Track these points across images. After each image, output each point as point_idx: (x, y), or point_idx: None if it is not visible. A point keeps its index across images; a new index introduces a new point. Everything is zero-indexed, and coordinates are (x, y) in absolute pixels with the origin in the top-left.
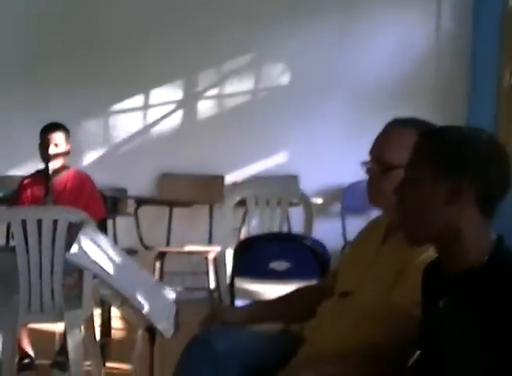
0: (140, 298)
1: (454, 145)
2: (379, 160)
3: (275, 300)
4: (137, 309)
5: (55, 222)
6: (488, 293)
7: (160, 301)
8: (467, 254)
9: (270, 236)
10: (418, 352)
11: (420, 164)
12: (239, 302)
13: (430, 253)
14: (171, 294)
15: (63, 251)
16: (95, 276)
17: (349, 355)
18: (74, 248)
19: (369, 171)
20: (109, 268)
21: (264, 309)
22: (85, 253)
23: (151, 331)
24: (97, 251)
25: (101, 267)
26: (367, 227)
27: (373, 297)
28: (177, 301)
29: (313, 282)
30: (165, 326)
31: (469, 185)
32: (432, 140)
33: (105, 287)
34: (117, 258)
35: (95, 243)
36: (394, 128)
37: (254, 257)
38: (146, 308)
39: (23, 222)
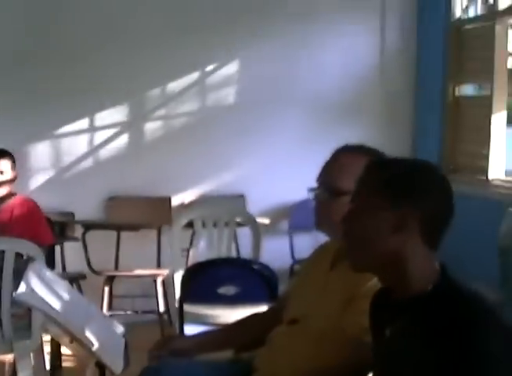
0: (89, 335)
1: (400, 176)
2: (327, 186)
3: (224, 329)
4: (86, 346)
5: (2, 252)
6: (432, 320)
7: (109, 336)
8: (412, 283)
9: (218, 262)
10: None
11: (365, 194)
12: (188, 327)
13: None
14: (119, 329)
15: (10, 281)
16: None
17: None
18: (22, 287)
19: (316, 196)
20: (58, 305)
21: (214, 337)
22: (33, 291)
23: (101, 366)
24: (45, 288)
25: (49, 306)
26: (315, 252)
27: (323, 324)
28: (125, 336)
29: (262, 306)
30: (115, 361)
31: (413, 215)
32: (378, 172)
33: (53, 325)
34: (65, 295)
35: (43, 280)
36: (343, 154)
37: (202, 282)
38: (96, 345)
39: None
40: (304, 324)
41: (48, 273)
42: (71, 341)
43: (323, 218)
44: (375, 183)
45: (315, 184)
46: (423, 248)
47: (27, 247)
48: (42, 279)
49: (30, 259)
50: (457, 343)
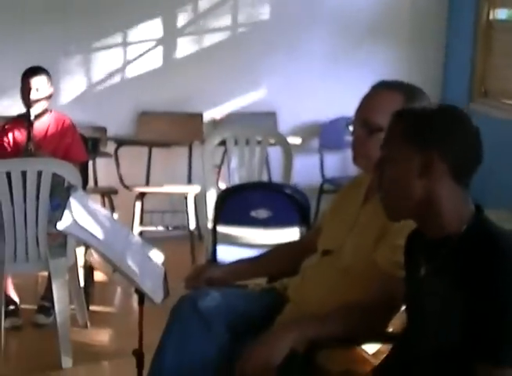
0: (130, 264)
1: (422, 122)
2: (364, 122)
3: (258, 257)
4: (128, 276)
5: (39, 172)
6: (466, 260)
7: (149, 265)
8: (446, 224)
9: (251, 185)
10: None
11: (392, 142)
12: (221, 247)
13: None
14: (159, 257)
15: (47, 201)
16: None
17: (330, 314)
18: (66, 217)
19: (353, 131)
20: (100, 235)
21: (247, 265)
22: (76, 222)
23: (141, 294)
24: (87, 218)
25: (91, 235)
26: (348, 185)
27: (355, 256)
28: (164, 264)
29: (293, 229)
30: (155, 291)
31: (440, 157)
32: (402, 119)
33: (95, 253)
34: (106, 224)
35: (85, 209)
36: (380, 91)
37: (235, 205)
38: (137, 275)
39: (8, 174)
40: (336, 256)
41: (90, 202)
42: (114, 271)
43: (360, 153)
44: (399, 130)
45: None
46: (454, 189)
47: (66, 170)
48: (84, 208)
49: (71, 187)
50: (486, 283)
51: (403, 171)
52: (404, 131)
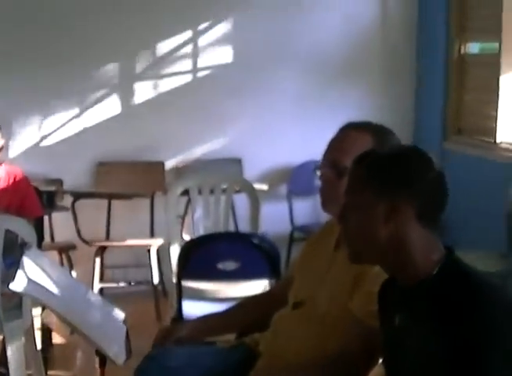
0: (90, 325)
1: (385, 167)
2: (333, 164)
3: (226, 311)
4: (88, 337)
5: None
6: (440, 305)
7: (109, 325)
8: (416, 269)
9: (217, 236)
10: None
11: (356, 189)
12: (186, 303)
13: None
14: (119, 316)
15: (0, 259)
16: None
17: (306, 367)
18: (19, 277)
19: (322, 175)
20: (57, 294)
21: (215, 321)
22: (31, 281)
23: (102, 355)
24: (42, 277)
25: (48, 295)
26: (319, 232)
27: (330, 306)
28: (125, 322)
29: (263, 281)
30: (117, 352)
31: (405, 202)
32: (363, 164)
33: (52, 314)
34: (64, 283)
35: (39, 268)
36: (349, 132)
37: (200, 257)
38: (97, 335)
39: None
40: (309, 307)
41: (45, 260)
42: (72, 332)
43: (329, 197)
44: (361, 176)
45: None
46: (422, 232)
47: (19, 227)
48: (39, 266)
49: (25, 245)
50: (464, 324)
51: (368, 217)
52: (366, 176)
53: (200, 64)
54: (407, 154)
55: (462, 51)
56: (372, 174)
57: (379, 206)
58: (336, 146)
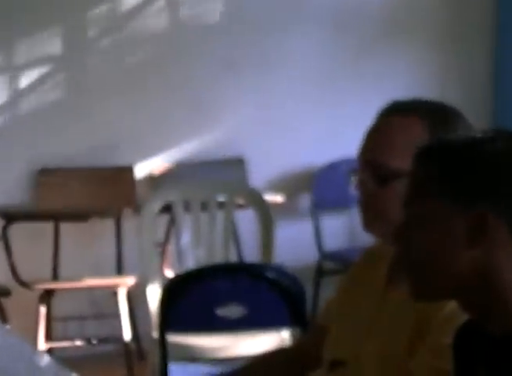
0: None
1: (464, 165)
2: (373, 168)
3: (240, 372)
4: None
5: None
6: None
7: None
8: (510, 307)
9: (213, 270)
10: None
11: (422, 196)
12: (174, 367)
13: None
14: None
15: None
16: None
17: None
18: None
19: (361, 184)
20: None
21: None
22: None
23: None
24: None
25: None
26: (360, 262)
27: (381, 368)
28: None
29: (281, 332)
30: None
31: (496, 215)
32: (431, 163)
33: None
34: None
35: None
36: (392, 119)
37: (191, 301)
38: None
39: None
40: (353, 369)
41: None
42: None
43: (374, 213)
44: (429, 180)
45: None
46: None
47: None
48: None
49: None
50: None
51: (442, 236)
52: (435, 180)
53: (179, 26)
54: (498, 145)
55: None
56: (445, 176)
57: (457, 222)
58: (375, 140)
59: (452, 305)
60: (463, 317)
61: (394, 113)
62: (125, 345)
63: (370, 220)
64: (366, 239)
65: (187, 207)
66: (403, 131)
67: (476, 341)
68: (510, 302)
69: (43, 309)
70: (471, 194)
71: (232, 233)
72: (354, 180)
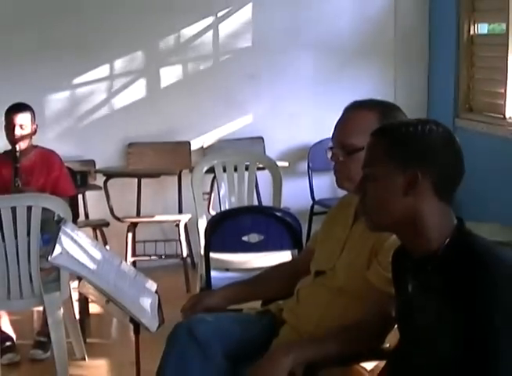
0: (124, 295)
1: (404, 140)
2: (342, 145)
3: (251, 279)
4: (122, 306)
5: (29, 208)
6: (450, 274)
7: (142, 294)
8: (429, 239)
9: (241, 210)
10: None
11: (375, 161)
12: (214, 273)
13: None
14: (152, 286)
15: (38, 236)
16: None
17: (327, 334)
18: (57, 250)
19: (332, 156)
20: (92, 266)
21: (241, 289)
22: (68, 254)
23: (135, 323)
24: (78, 250)
25: (84, 267)
26: (337, 206)
27: (349, 276)
28: (157, 292)
29: (286, 252)
30: (150, 319)
31: (424, 175)
32: (383, 138)
33: (88, 285)
34: (98, 255)
35: (76, 241)
36: (353, 112)
37: (226, 231)
38: (131, 304)
39: None
40: (330, 277)
41: (80, 234)
42: (107, 302)
43: (343, 176)
44: (381, 149)
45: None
46: (437, 205)
47: (55, 204)
48: (75, 240)
49: (61, 221)
50: (472, 295)
51: (386, 189)
52: (385, 149)
53: (221, 48)
54: (427, 127)
55: (472, 32)
56: (392, 147)
57: (398, 178)
58: (342, 126)
59: (394, 236)
60: (399, 244)
61: (354, 108)
62: (183, 259)
63: (341, 180)
64: (342, 192)
65: (224, 169)
66: (360, 119)
67: (406, 258)
68: (427, 235)
69: (130, 235)
70: (407, 160)
71: (254, 187)
72: (328, 154)
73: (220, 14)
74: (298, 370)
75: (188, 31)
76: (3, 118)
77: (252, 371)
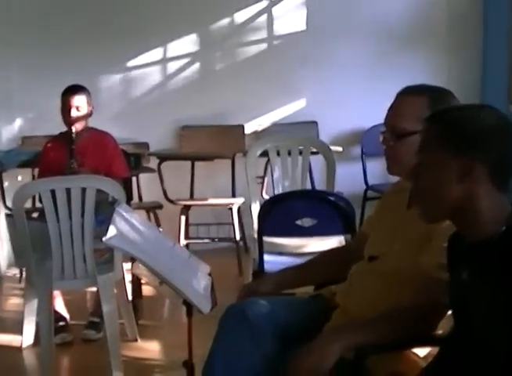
0: (177, 276)
1: (459, 126)
2: (393, 129)
3: (304, 264)
4: (175, 287)
5: (83, 189)
6: (506, 261)
7: (196, 276)
8: (485, 226)
9: (294, 194)
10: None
11: (429, 148)
12: (267, 257)
13: None
14: (205, 268)
15: (92, 217)
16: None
17: (378, 318)
18: (111, 231)
19: (384, 140)
20: (146, 248)
21: (295, 274)
22: (122, 235)
23: (188, 305)
24: (132, 231)
25: (138, 248)
26: (391, 191)
27: (400, 261)
28: (211, 274)
29: (338, 237)
30: (203, 301)
31: (479, 162)
32: (435, 124)
33: (141, 266)
34: (152, 237)
35: (130, 223)
36: (404, 97)
37: (279, 214)
38: (184, 286)
39: (52, 192)
40: (382, 262)
41: (135, 216)
42: (160, 284)
43: (393, 160)
44: (435, 136)
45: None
46: (492, 192)
47: (109, 186)
48: (129, 222)
49: (115, 202)
50: None
51: (441, 176)
52: (439, 135)
53: (275, 32)
54: (482, 113)
55: None
56: (446, 133)
57: (453, 165)
58: (393, 111)
59: (447, 221)
60: (454, 229)
61: (406, 93)
62: (236, 242)
63: (391, 165)
64: (395, 178)
65: (278, 153)
66: (410, 104)
67: (461, 245)
68: (482, 222)
69: (183, 218)
70: (461, 146)
71: (308, 171)
72: (380, 138)
73: None
74: (349, 355)
75: (241, 15)
76: (59, 101)
77: (303, 355)
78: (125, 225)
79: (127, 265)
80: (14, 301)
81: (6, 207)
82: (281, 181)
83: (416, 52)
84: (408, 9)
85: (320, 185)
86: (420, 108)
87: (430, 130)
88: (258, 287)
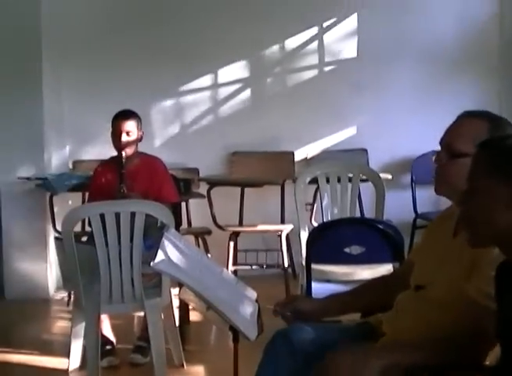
0: (224, 302)
1: (508, 153)
2: (448, 148)
3: (351, 292)
4: (222, 313)
5: (132, 214)
6: None
7: (242, 303)
8: None
9: (343, 221)
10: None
11: (479, 174)
12: (314, 284)
13: None
14: (252, 294)
15: (141, 241)
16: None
17: (423, 344)
18: (159, 256)
19: (436, 159)
20: (193, 273)
21: (340, 300)
22: (170, 260)
23: (235, 331)
24: (180, 256)
25: (185, 274)
26: (438, 218)
27: (447, 290)
28: (257, 301)
29: (387, 265)
30: (249, 328)
31: None
32: (489, 151)
33: (189, 292)
34: (199, 262)
35: (178, 248)
36: (464, 119)
37: (328, 242)
38: (231, 312)
39: (101, 216)
40: (429, 291)
41: (183, 241)
42: (208, 309)
43: (442, 180)
44: (484, 162)
45: (436, 143)
46: None
47: (158, 211)
48: (177, 247)
49: (164, 227)
50: None
51: (490, 202)
52: (489, 161)
53: (325, 59)
54: None
55: None
56: (497, 160)
57: (501, 192)
58: (451, 130)
59: (496, 250)
60: (502, 258)
61: (467, 116)
62: (284, 269)
63: (440, 184)
64: (445, 206)
65: (328, 180)
66: (469, 126)
67: (509, 274)
68: None
69: (232, 244)
70: (511, 174)
71: (357, 198)
72: (434, 157)
73: (325, 24)
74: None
75: (293, 41)
76: (110, 125)
77: (344, 354)
78: (173, 250)
79: (175, 291)
80: (62, 324)
81: (56, 230)
82: (330, 208)
83: (466, 78)
84: (459, 31)
85: (369, 212)
86: (479, 131)
87: (480, 156)
88: (300, 304)
